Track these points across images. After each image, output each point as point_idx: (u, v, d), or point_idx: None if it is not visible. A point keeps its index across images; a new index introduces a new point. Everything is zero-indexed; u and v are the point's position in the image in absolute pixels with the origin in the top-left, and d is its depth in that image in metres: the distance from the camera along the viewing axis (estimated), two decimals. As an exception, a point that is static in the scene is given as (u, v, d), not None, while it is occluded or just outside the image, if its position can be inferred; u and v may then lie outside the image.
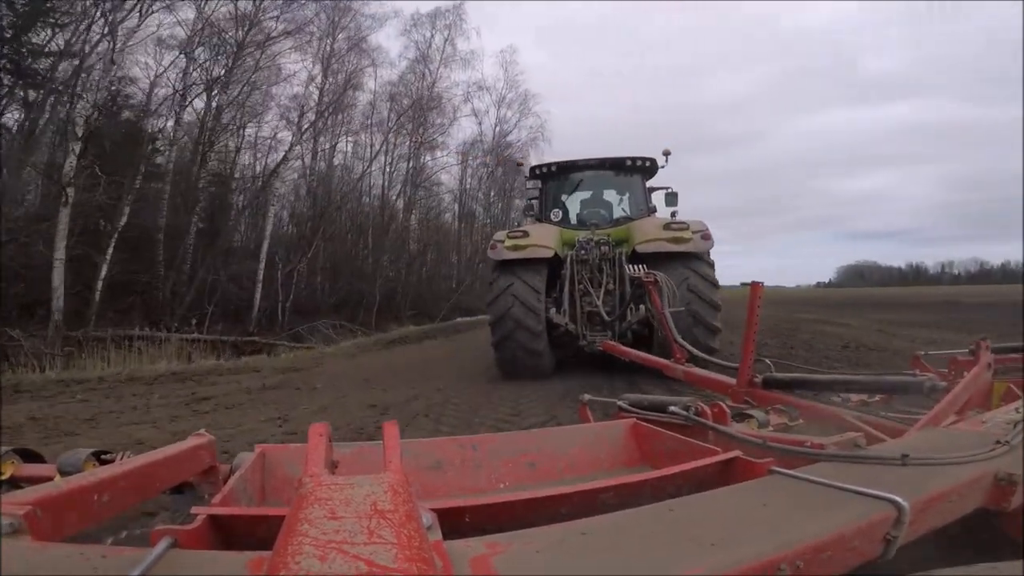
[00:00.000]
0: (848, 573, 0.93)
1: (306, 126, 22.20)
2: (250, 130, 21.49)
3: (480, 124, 33.62)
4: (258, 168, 22.16)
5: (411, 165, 28.52)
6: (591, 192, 8.50)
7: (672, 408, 1.95)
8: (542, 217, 8.19)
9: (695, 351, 4.19)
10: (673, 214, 7.50)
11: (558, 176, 8.35)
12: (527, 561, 0.79)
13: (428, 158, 29.60)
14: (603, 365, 7.06)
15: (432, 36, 28.68)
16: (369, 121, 26.88)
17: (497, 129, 34.76)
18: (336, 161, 26.58)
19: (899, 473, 1.17)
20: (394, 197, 28.49)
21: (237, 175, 21.35)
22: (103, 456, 1.77)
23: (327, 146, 25.36)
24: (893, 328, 12.95)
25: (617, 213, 8.26)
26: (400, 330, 19.00)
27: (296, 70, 21.65)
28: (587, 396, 2.40)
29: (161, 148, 18.31)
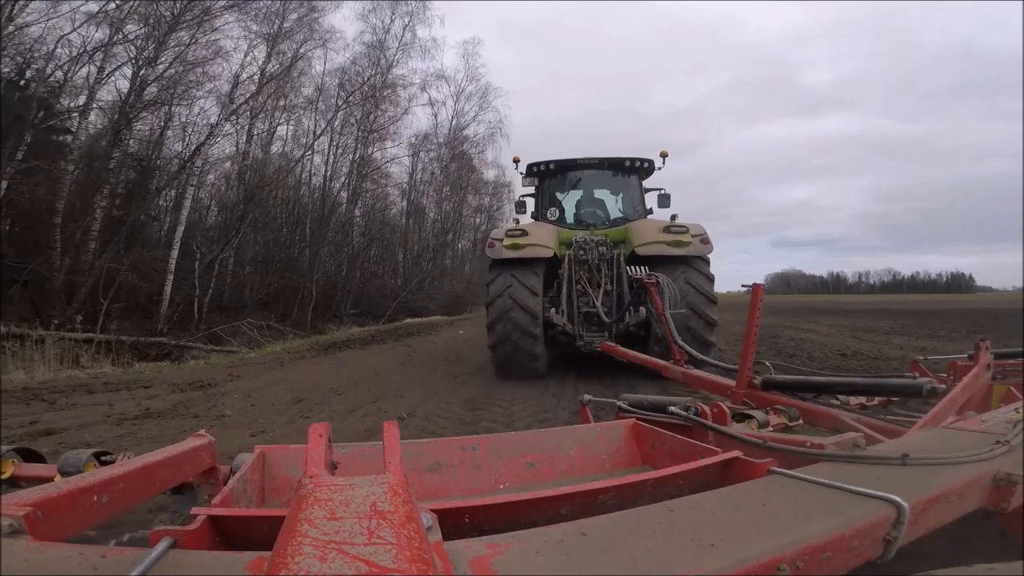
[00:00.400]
0: (848, 573, 0.93)
1: (240, 102, 19.46)
2: (183, 112, 18.36)
3: (436, 116, 32.24)
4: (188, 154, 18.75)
5: (357, 154, 26.20)
6: (589, 192, 8.47)
7: (672, 408, 1.95)
8: (538, 215, 8.15)
9: (695, 353, 4.19)
10: (673, 217, 7.49)
11: (556, 174, 8.31)
12: (527, 561, 0.79)
13: (377, 149, 27.51)
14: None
15: (392, 21, 26.57)
16: (314, 106, 24.44)
17: (454, 122, 33.34)
18: (275, 149, 23.83)
19: (899, 473, 1.17)
20: (337, 188, 26.18)
21: (160, 159, 18.14)
22: (104, 457, 1.77)
23: (264, 130, 22.74)
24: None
25: (614, 213, 8.25)
26: (340, 332, 16.93)
27: (236, 46, 19.04)
28: (587, 396, 2.41)
29: (66, 123, 15.63)
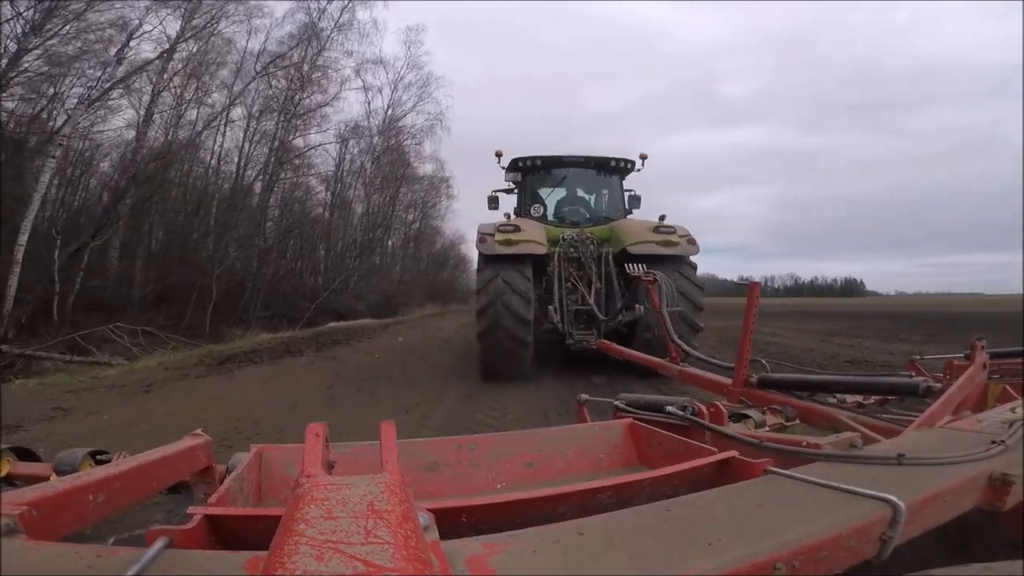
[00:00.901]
0: (844, 573, 0.93)
1: (133, 69, 16.94)
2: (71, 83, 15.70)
3: (369, 103, 29.52)
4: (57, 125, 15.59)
5: (277, 140, 23.20)
6: (572, 189, 8.46)
7: (669, 408, 1.95)
8: (521, 211, 8.11)
9: (692, 351, 4.19)
10: (661, 217, 7.51)
11: (541, 171, 8.28)
12: (524, 561, 0.79)
13: (300, 135, 24.77)
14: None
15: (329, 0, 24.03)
16: (232, 81, 21.45)
17: (390, 112, 30.76)
18: (184, 135, 20.40)
19: (895, 473, 1.17)
20: (252, 175, 23.09)
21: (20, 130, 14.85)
22: (99, 456, 1.77)
23: (169, 108, 19.72)
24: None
25: (597, 212, 8.27)
26: (245, 339, 13.67)
27: (143, 17, 16.62)
28: (585, 396, 2.41)
29: None
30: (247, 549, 0.83)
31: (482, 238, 6.72)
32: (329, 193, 28.35)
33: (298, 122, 24.32)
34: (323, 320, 20.47)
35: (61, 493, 1.05)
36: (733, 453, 1.39)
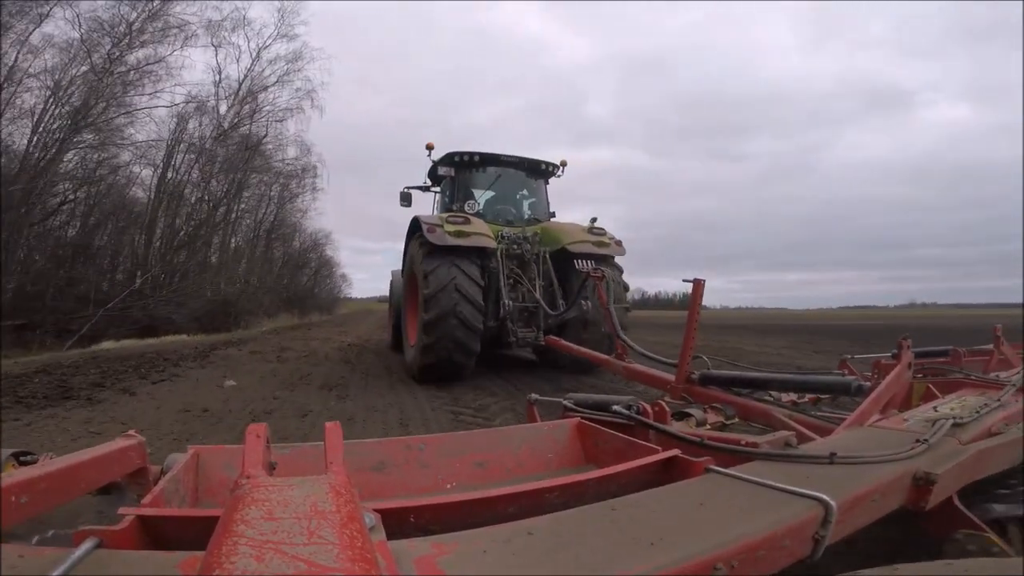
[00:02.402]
0: (779, 573, 0.96)
1: None
2: None
3: (220, 71, 23.66)
4: None
5: (86, 102, 16.80)
6: (504, 188, 8.42)
7: (615, 407, 1.98)
8: (452, 207, 7.89)
9: (637, 348, 4.27)
10: (593, 220, 7.63)
11: (477, 167, 8.18)
12: (473, 561, 0.79)
13: (116, 100, 18.25)
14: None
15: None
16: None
17: (247, 82, 24.61)
18: None
19: (827, 472, 1.22)
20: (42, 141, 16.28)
21: None
22: (24, 457, 1.67)
23: None
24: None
25: (525, 213, 8.38)
26: None
27: None
28: (535, 396, 2.42)
29: None
30: (183, 550, 0.80)
31: (431, 228, 6.26)
32: (155, 176, 21.64)
33: (115, 79, 18.15)
34: (116, 334, 14.79)
35: None
36: (676, 452, 1.43)
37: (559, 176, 8.45)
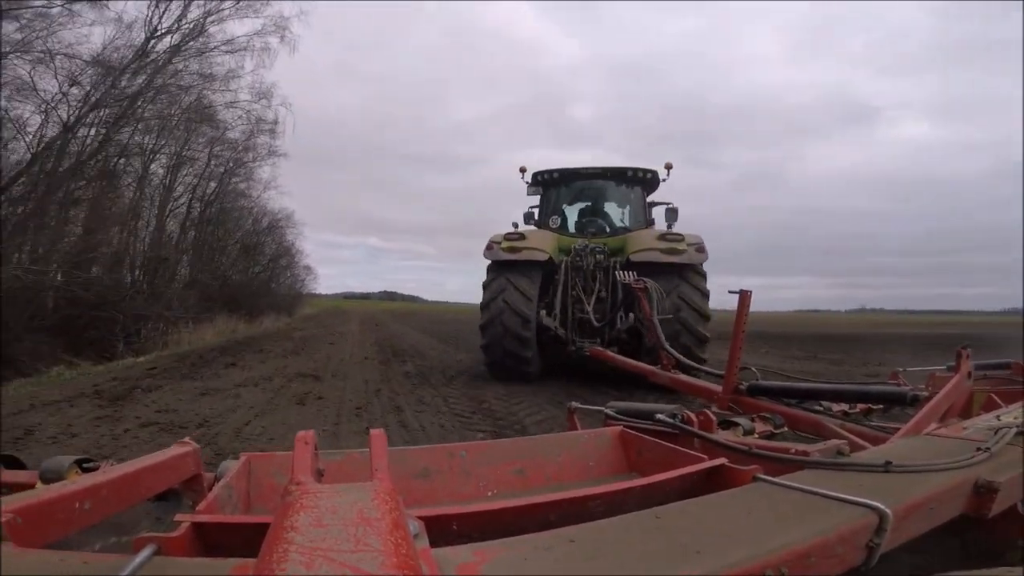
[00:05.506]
0: None
1: None
2: None
3: (151, 23, 15.35)
4: None
5: None
6: (591, 201, 8.53)
7: (659, 416, 1.95)
8: (540, 223, 8.21)
9: (682, 358, 4.22)
10: (669, 225, 7.55)
11: (559, 183, 8.37)
12: (514, 568, 0.79)
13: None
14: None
15: None
16: None
17: (190, 11, 16.04)
18: None
19: (882, 480, 1.18)
20: None
21: None
22: (86, 464, 1.75)
23: None
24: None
25: (616, 223, 8.29)
26: None
27: None
28: (575, 404, 2.41)
29: None
30: (235, 557, 0.82)
31: (489, 246, 7.08)
32: (47, 121, 14.09)
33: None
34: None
35: (47, 500, 1.04)
36: (722, 460, 1.40)
37: (664, 180, 8.20)
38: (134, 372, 8.47)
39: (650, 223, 8.22)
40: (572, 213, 8.49)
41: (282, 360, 10.07)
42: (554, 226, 7.89)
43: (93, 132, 15.30)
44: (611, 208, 8.56)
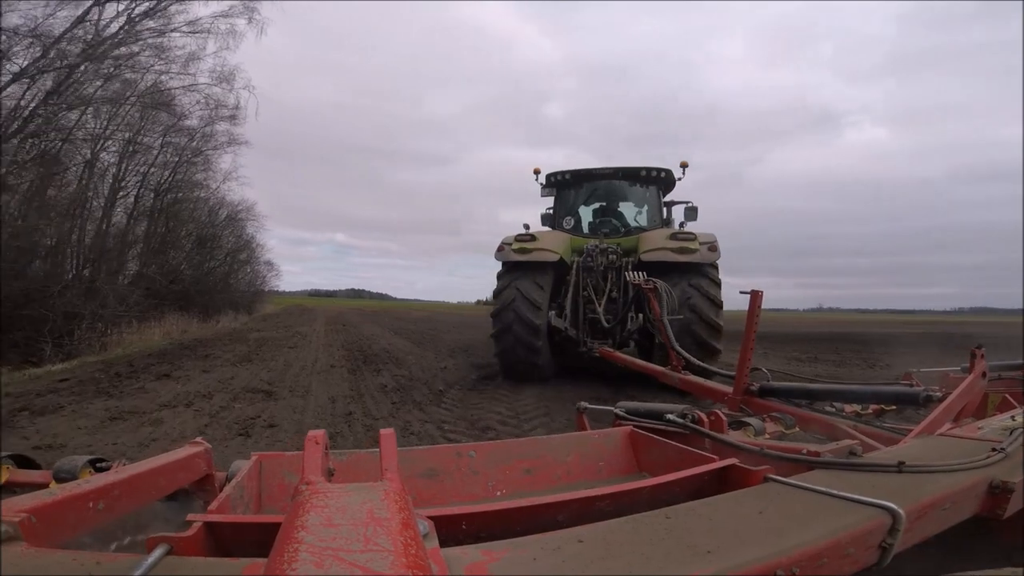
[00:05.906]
0: None
1: None
2: None
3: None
4: None
5: None
6: (605, 201, 8.52)
7: (669, 416, 1.95)
8: (554, 224, 8.25)
9: (692, 359, 4.19)
10: (682, 224, 7.52)
11: (573, 184, 8.38)
12: (523, 568, 0.79)
13: None
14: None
15: None
16: None
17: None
18: None
19: (895, 480, 1.17)
20: None
21: None
22: (99, 464, 1.76)
23: None
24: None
25: (630, 223, 8.27)
26: None
27: None
28: (584, 404, 2.40)
29: None
30: (247, 556, 0.83)
31: (500, 247, 7.15)
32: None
33: None
34: None
35: (60, 500, 1.05)
36: (733, 461, 1.39)
37: (680, 179, 8.18)
38: (38, 384, 7.04)
39: (667, 222, 8.20)
40: (587, 214, 8.50)
41: (230, 369, 8.59)
42: (568, 227, 7.91)
43: (23, 104, 12.58)
44: (626, 208, 8.54)
